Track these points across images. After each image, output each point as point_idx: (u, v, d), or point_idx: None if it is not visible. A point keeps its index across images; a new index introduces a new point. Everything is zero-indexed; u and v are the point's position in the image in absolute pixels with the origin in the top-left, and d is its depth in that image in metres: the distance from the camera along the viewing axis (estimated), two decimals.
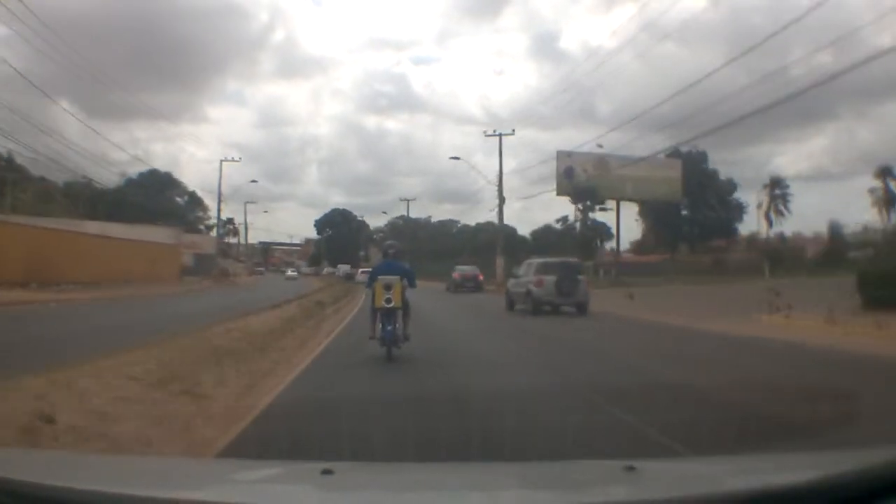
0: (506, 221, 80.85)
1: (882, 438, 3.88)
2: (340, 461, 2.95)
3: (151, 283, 37.94)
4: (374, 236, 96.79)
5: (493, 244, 73.48)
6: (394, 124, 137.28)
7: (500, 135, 46.71)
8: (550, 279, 20.57)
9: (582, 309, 20.61)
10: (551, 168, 48.66)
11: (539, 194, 52.62)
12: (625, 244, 59.41)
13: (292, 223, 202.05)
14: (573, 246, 51.92)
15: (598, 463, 3.00)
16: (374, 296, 10.49)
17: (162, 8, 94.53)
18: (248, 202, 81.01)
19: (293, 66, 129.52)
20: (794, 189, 55.84)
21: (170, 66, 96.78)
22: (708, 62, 74.81)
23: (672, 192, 48.93)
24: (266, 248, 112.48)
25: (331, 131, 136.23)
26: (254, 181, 59.99)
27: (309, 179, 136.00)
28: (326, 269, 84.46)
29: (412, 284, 10.86)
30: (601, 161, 49.16)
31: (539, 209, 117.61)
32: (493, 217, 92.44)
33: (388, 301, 10.32)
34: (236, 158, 53.44)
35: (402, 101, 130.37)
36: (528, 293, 20.99)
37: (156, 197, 64.47)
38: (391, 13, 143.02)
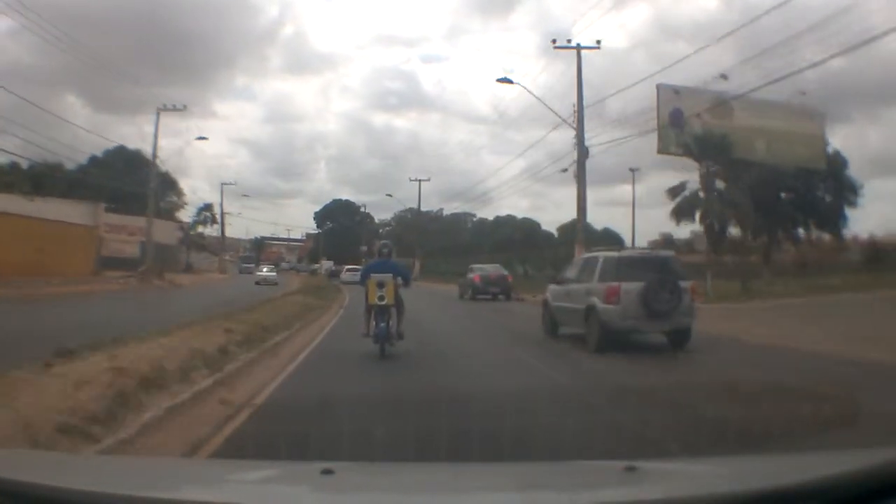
0: (526, 216, 68.13)
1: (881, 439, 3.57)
2: (340, 461, 2.94)
3: (33, 279, 27.63)
4: (380, 230, 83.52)
5: (514, 241, 61.52)
6: (403, 122, 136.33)
7: (580, 47, 30.31)
8: (633, 288, 11.96)
9: (682, 339, 12.26)
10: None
11: (621, 140, 31.28)
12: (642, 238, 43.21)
13: (300, 221, 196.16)
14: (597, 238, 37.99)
15: (598, 463, 3.02)
16: (367, 293, 10.81)
17: (171, 1, 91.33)
18: (224, 184, 68.02)
19: (302, 61, 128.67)
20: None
21: (178, 60, 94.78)
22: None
23: (814, 156, 33.24)
24: (260, 243, 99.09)
25: (339, 128, 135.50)
26: (202, 138, 45.58)
27: (317, 176, 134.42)
28: (314, 266, 71.50)
29: (406, 283, 11.33)
30: (721, 102, 30.88)
31: (551, 207, 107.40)
32: (512, 210, 78.55)
33: (381, 298, 10.58)
34: (179, 107, 39.83)
35: (412, 98, 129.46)
36: (592, 312, 12.38)
37: (122, 177, 53.96)
38: (400, 9, 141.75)
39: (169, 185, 68.78)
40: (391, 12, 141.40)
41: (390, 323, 10.61)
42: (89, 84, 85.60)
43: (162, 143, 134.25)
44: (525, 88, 30.85)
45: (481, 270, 31.64)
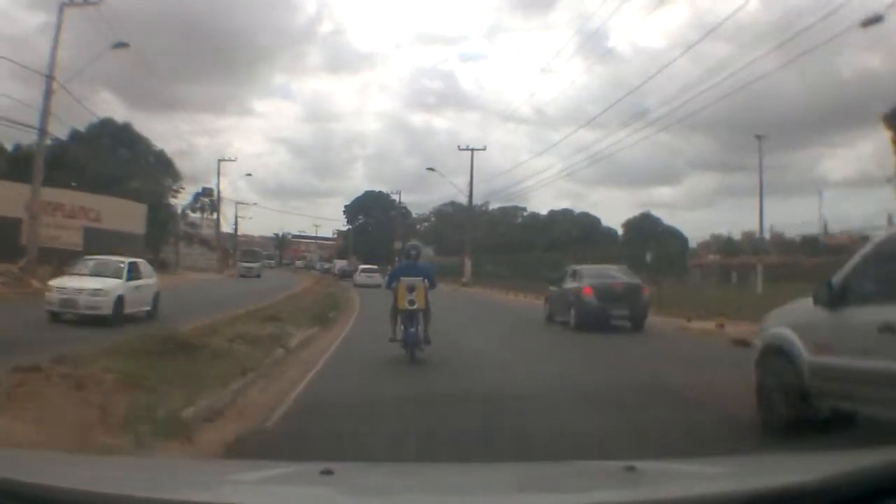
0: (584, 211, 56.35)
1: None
2: (341, 461, 3.05)
3: None
4: (418, 226, 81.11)
5: (572, 238, 54.53)
6: (441, 121, 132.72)
7: None
8: None
9: None
10: None
11: None
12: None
13: (338, 219, 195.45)
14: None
15: (598, 463, 3.08)
16: (396, 297, 10.98)
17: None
18: (221, 160, 56.47)
19: (340, 60, 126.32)
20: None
21: (215, 58, 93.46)
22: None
23: None
24: (283, 240, 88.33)
25: (377, 127, 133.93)
26: (122, 44, 28.80)
27: (355, 175, 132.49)
28: (326, 265, 68.86)
29: (433, 286, 11.45)
30: None
31: (589, 209, 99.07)
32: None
33: (412, 303, 10.76)
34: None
35: (450, 96, 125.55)
36: None
37: (107, 156, 46.92)
38: (439, 7, 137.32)
39: (164, 166, 57.66)
40: (429, 11, 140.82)
41: (418, 328, 10.82)
42: (123, 81, 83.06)
43: (197, 142, 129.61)
44: None
45: (592, 277, 18.13)
